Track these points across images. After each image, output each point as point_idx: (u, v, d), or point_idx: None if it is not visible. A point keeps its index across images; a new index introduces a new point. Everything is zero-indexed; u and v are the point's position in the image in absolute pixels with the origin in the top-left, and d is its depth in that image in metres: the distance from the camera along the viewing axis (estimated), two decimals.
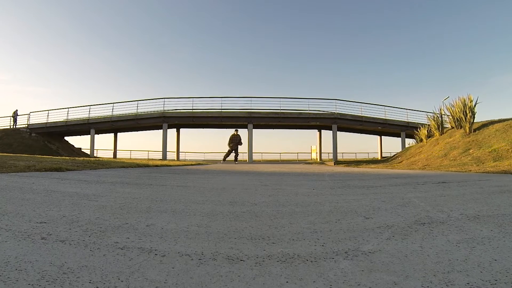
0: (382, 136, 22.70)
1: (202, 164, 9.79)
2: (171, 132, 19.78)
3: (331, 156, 20.97)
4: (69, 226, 0.96)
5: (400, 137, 19.03)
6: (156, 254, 0.72)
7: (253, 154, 17.70)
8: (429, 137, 10.03)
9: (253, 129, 17.70)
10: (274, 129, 21.25)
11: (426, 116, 11.99)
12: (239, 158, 13.63)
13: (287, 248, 0.78)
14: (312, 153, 27.49)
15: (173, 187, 2.24)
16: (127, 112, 18.65)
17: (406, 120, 18.75)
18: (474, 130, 7.70)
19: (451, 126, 8.94)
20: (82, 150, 22.05)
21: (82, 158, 9.03)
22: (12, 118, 19.47)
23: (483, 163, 5.42)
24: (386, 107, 18.71)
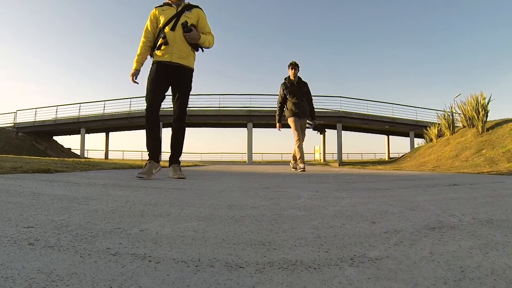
0: (390, 136, 22.70)
1: (199, 165, 9.79)
2: (166, 132, 19.80)
3: (335, 157, 20.96)
4: (58, 231, 0.96)
5: (408, 136, 19.03)
6: (150, 261, 0.72)
7: (253, 154, 17.70)
8: (439, 136, 10.03)
9: (253, 128, 17.71)
10: (275, 128, 21.24)
11: (436, 114, 11.99)
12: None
13: (289, 254, 0.78)
14: (315, 153, 27.47)
15: (168, 189, 2.24)
16: (119, 110, 18.65)
17: (415, 119, 18.75)
18: (487, 129, 7.70)
19: (463, 125, 8.94)
20: (71, 150, 22.04)
21: (71, 159, 9.03)
22: None
23: (496, 165, 5.42)
24: (394, 105, 18.73)
